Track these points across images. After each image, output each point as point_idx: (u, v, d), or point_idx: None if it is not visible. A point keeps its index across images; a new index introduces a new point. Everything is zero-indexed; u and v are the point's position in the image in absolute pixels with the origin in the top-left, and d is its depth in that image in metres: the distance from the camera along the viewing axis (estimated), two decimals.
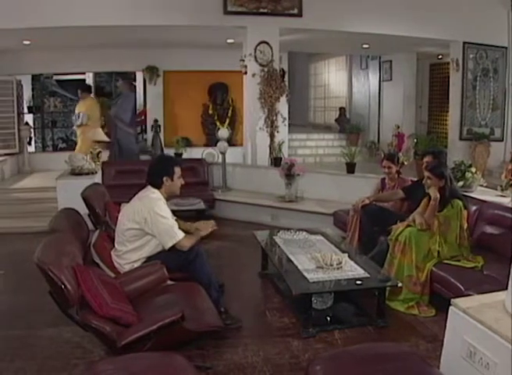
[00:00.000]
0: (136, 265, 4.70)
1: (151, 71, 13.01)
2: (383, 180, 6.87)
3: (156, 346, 3.36)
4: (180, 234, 4.71)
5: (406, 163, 6.89)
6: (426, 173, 5.48)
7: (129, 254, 4.75)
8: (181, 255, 4.73)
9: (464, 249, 5.30)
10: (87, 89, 11.83)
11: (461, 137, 11.18)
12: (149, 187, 4.95)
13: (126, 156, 11.19)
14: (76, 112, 11.10)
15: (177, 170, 5.00)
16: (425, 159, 6.06)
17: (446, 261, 5.16)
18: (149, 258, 4.76)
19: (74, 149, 10.95)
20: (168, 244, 4.68)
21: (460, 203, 5.32)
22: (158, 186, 4.92)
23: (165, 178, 4.91)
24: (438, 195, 5.31)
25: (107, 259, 4.76)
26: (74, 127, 9.86)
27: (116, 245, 4.86)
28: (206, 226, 5.12)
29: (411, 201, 6.20)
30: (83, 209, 5.44)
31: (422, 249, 5.23)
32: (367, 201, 6.33)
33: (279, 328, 4.83)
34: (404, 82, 14.34)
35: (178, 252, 4.73)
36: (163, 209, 4.80)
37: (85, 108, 10.98)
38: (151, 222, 4.68)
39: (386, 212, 6.30)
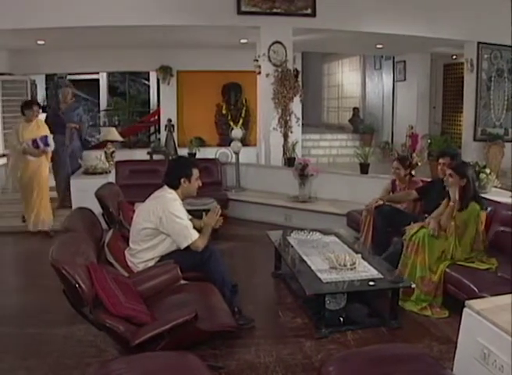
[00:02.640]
0: (150, 264, 4.71)
1: (165, 71, 13.06)
2: (394, 181, 6.85)
3: (169, 346, 3.36)
4: (195, 235, 4.72)
5: (420, 164, 6.86)
6: (448, 171, 5.44)
7: (143, 253, 4.76)
8: (195, 255, 4.74)
9: (477, 253, 5.27)
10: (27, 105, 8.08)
11: (475, 137, 11.14)
12: (165, 187, 4.96)
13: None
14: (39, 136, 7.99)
15: (195, 172, 5.01)
16: (441, 160, 6.02)
17: (459, 262, 5.14)
18: (163, 258, 4.78)
19: (88, 149, 10.95)
20: (183, 245, 4.70)
21: (478, 207, 5.27)
22: (175, 187, 4.94)
23: (182, 179, 4.93)
24: (457, 197, 5.28)
25: (121, 259, 4.78)
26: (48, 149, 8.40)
27: (131, 244, 4.88)
28: (211, 216, 5.08)
29: (425, 202, 6.19)
30: (96, 209, 5.45)
31: (435, 251, 5.20)
32: (380, 202, 6.33)
33: (291, 328, 4.83)
34: (418, 82, 14.30)
35: (192, 251, 4.75)
36: (179, 210, 4.81)
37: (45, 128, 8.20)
38: (166, 222, 4.69)
39: (400, 213, 6.28)
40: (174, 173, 5.00)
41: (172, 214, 4.71)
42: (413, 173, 6.77)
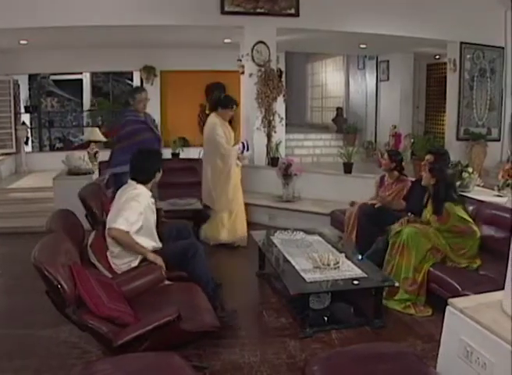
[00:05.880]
0: (133, 264, 4.68)
1: (148, 71, 13.03)
2: (383, 177, 6.89)
3: (153, 346, 3.35)
4: (123, 226, 4.56)
5: (403, 163, 6.90)
6: (427, 167, 5.55)
7: (123, 253, 4.71)
8: (180, 251, 4.76)
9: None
10: None
11: (458, 137, 11.20)
12: (132, 182, 4.93)
13: None
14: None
15: None
16: (427, 157, 6.04)
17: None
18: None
19: (71, 149, 10.90)
20: (112, 224, 4.58)
21: (453, 205, 5.32)
22: (147, 181, 4.95)
23: (158, 173, 5.00)
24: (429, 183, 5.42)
25: (104, 260, 4.74)
26: None
27: (109, 246, 4.81)
28: (157, 259, 4.73)
29: (408, 201, 6.25)
30: (80, 209, 5.42)
31: (421, 251, 5.23)
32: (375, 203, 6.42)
33: (276, 328, 4.83)
34: (401, 82, 14.35)
35: (178, 248, 4.81)
36: (139, 202, 4.74)
37: None
38: (123, 203, 4.69)
39: (384, 211, 6.30)
40: (149, 168, 4.99)
41: (132, 199, 4.70)
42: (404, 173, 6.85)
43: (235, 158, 7.33)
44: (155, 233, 5.02)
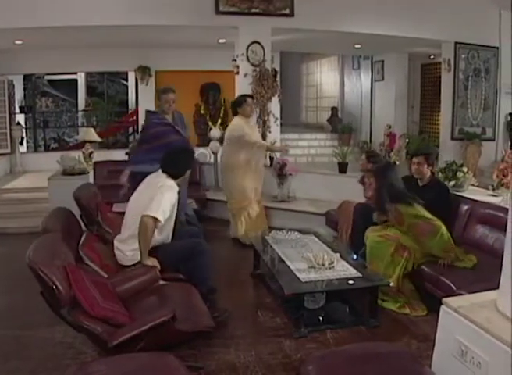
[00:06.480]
0: (138, 255, 4.71)
1: (143, 71, 12.99)
2: (363, 177, 6.92)
3: (148, 346, 3.35)
4: (159, 216, 4.65)
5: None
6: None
7: (133, 239, 4.72)
8: (190, 246, 4.90)
9: (456, 250, 5.30)
10: None
11: (453, 136, 11.19)
12: (164, 176, 5.04)
13: None
14: None
15: None
16: (415, 160, 6.03)
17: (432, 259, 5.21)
18: (154, 248, 4.80)
19: (66, 149, 10.88)
20: (147, 212, 4.62)
21: (404, 206, 5.37)
22: (177, 176, 5.07)
23: (187, 171, 5.18)
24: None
25: (97, 260, 4.72)
26: None
27: (122, 230, 4.93)
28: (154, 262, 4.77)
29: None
30: (75, 210, 5.42)
31: (385, 256, 5.27)
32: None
33: (271, 328, 4.84)
34: (396, 82, 14.34)
35: (187, 243, 4.96)
36: (171, 197, 4.85)
37: None
38: (160, 191, 4.77)
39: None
40: (183, 164, 5.17)
41: (165, 192, 4.78)
42: None
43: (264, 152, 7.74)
44: (171, 228, 5.11)
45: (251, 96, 7.94)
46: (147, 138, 6.52)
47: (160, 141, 6.24)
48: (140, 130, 6.89)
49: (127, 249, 4.78)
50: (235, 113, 7.63)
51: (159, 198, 4.69)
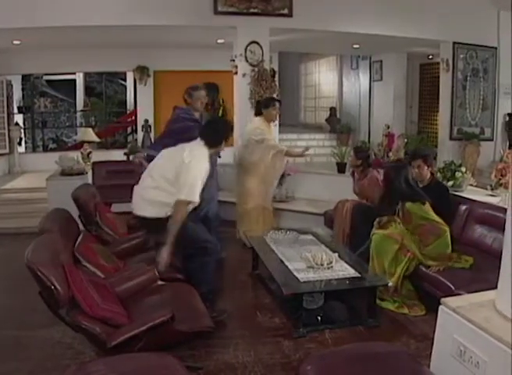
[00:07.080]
0: (162, 212, 4.75)
1: (142, 71, 12.97)
2: (353, 173, 6.96)
3: (147, 347, 3.35)
4: (193, 198, 4.67)
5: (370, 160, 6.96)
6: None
7: (161, 190, 4.79)
8: (207, 238, 4.93)
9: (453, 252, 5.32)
10: None
11: (451, 136, 11.19)
12: (202, 144, 4.98)
13: None
14: None
15: None
16: (413, 163, 5.98)
17: (430, 262, 5.19)
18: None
19: (65, 149, 10.88)
20: (180, 197, 4.63)
21: (415, 207, 5.37)
22: (214, 146, 5.04)
23: (223, 142, 5.09)
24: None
25: (93, 260, 4.72)
26: None
27: (150, 180, 4.90)
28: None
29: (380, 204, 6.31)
30: (73, 210, 5.42)
31: (390, 253, 5.26)
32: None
33: (269, 328, 4.84)
34: (394, 82, 14.34)
35: (207, 235, 5.00)
36: (203, 168, 4.83)
37: None
38: (186, 169, 4.69)
39: (375, 210, 6.30)
40: (222, 134, 5.11)
41: (197, 168, 4.74)
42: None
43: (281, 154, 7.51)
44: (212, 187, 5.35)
45: (279, 101, 7.72)
46: (172, 132, 6.26)
47: (183, 135, 5.79)
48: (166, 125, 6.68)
49: (154, 194, 4.83)
50: (258, 113, 7.49)
51: (187, 179, 4.66)
